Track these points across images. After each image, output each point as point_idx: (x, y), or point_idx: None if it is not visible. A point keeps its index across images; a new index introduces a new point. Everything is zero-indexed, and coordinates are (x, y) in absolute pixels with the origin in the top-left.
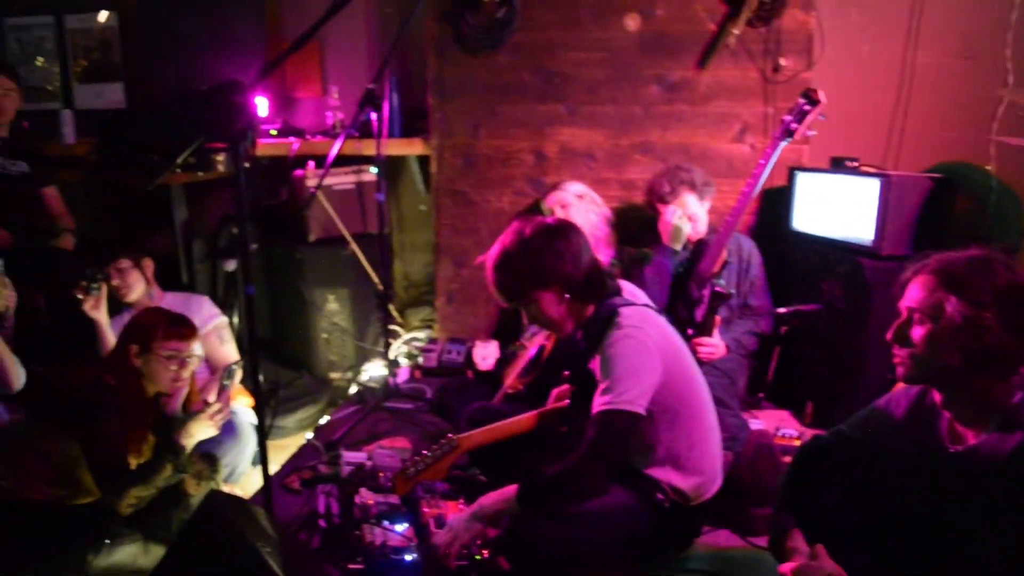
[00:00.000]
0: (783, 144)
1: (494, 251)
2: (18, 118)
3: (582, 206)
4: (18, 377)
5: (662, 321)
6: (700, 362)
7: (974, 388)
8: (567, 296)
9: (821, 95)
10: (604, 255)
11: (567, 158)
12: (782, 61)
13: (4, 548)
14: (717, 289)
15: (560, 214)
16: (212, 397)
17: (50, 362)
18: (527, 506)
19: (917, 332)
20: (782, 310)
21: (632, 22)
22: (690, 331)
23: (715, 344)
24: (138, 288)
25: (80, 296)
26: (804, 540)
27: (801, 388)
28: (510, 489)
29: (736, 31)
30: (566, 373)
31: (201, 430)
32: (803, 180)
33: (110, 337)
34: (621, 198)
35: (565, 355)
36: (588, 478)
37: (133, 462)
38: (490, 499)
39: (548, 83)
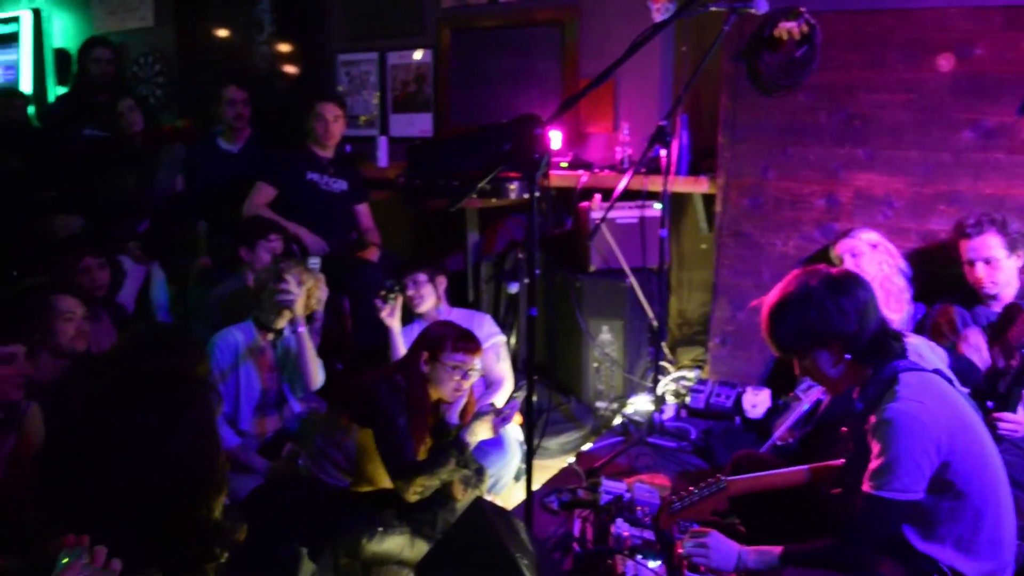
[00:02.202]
0: None
1: (773, 297)
2: (342, 142)
3: (875, 256)
4: (319, 378)
5: (948, 390)
6: (997, 438)
7: None
8: (847, 357)
9: None
10: (895, 312)
11: (862, 204)
12: None
13: (302, 521)
14: None
15: (850, 263)
16: (500, 403)
17: (349, 360)
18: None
19: None
20: None
21: (945, 62)
22: (990, 403)
23: (1019, 420)
24: (429, 301)
25: (379, 303)
26: None
27: None
28: (774, 553)
29: None
30: (844, 430)
31: (483, 430)
32: None
33: (400, 343)
34: (920, 251)
35: (842, 414)
36: (853, 559)
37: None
38: (753, 558)
39: (846, 125)
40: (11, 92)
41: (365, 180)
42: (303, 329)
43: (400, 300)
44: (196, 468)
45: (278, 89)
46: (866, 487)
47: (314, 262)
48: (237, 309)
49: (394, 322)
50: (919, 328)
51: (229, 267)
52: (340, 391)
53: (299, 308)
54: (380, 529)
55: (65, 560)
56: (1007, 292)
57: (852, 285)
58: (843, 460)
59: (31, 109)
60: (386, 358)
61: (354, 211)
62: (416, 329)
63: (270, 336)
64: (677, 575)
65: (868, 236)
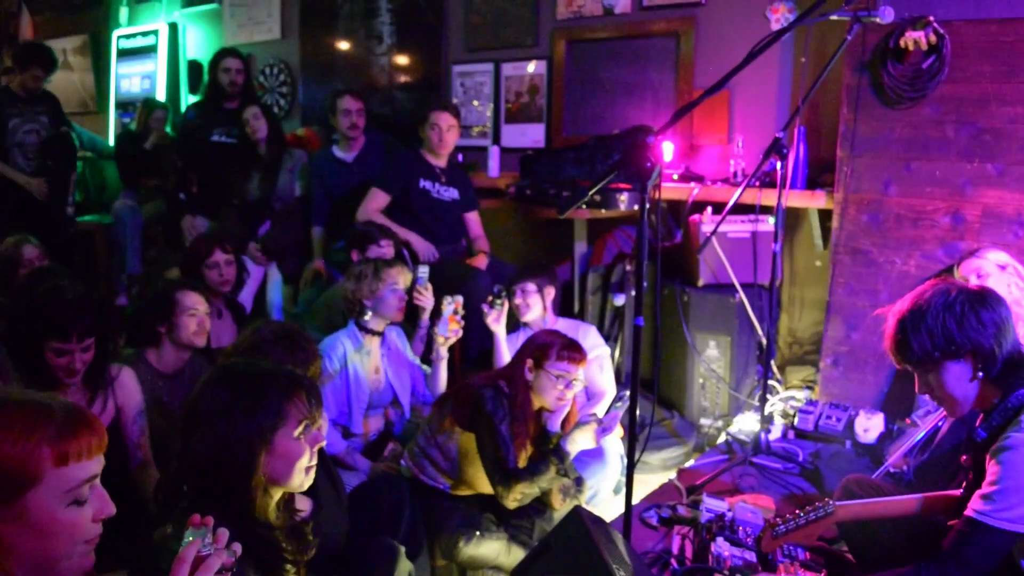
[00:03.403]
0: None
1: (905, 303)
2: (455, 151)
3: (1004, 278)
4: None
5: None
6: None
7: None
8: (980, 374)
9: None
10: None
11: (990, 223)
12: None
13: (401, 520)
14: None
15: (975, 284)
16: (600, 413)
17: (455, 366)
18: None
19: None
20: None
21: None
22: None
23: None
24: (535, 311)
25: (485, 308)
26: None
27: None
28: None
29: None
30: (964, 459)
31: (583, 440)
32: None
33: (505, 350)
34: None
35: (962, 441)
36: None
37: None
38: None
39: (975, 139)
40: (154, 104)
41: (476, 189)
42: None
43: (506, 306)
44: (237, 458)
45: (396, 99)
46: (969, 510)
47: (423, 270)
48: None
49: (499, 328)
50: None
51: (342, 271)
52: (445, 394)
53: (392, 312)
54: (478, 533)
55: (190, 538)
56: None
57: (993, 300)
58: (961, 491)
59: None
60: (490, 365)
61: (464, 219)
62: (521, 337)
63: (375, 339)
64: None
65: (996, 256)
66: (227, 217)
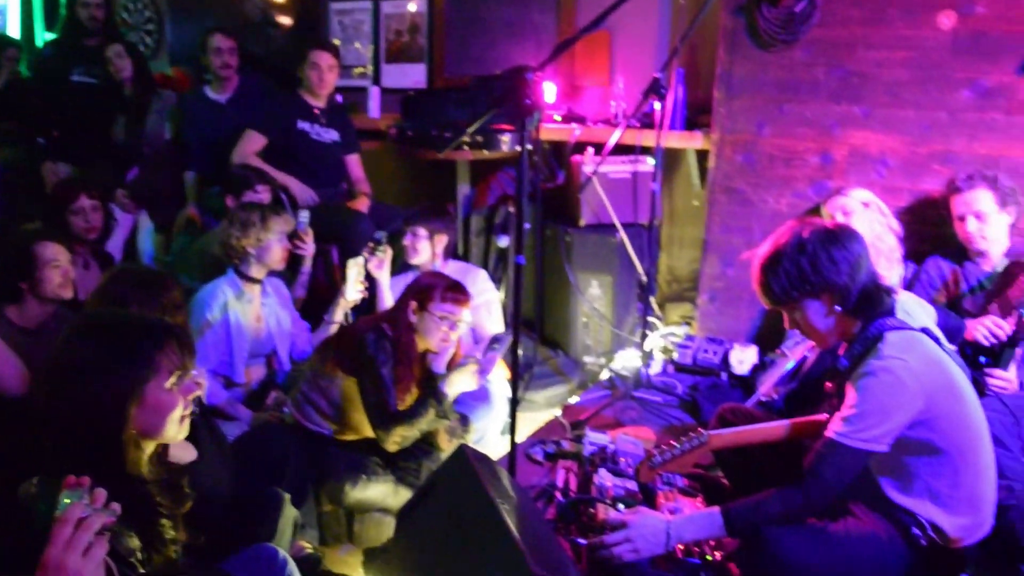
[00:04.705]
0: None
1: (766, 249)
2: (334, 92)
3: (867, 215)
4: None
5: (932, 349)
6: (983, 394)
7: None
8: (837, 309)
9: None
10: (887, 270)
11: (856, 163)
12: None
13: (286, 468)
14: None
15: (841, 221)
16: (479, 355)
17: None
18: (734, 533)
19: None
20: None
21: (947, 20)
22: (983, 359)
23: (1008, 379)
24: (423, 255)
25: (366, 255)
26: None
27: None
28: (713, 516)
29: None
30: (829, 386)
31: (462, 381)
32: None
33: (388, 296)
34: (912, 210)
35: (827, 370)
36: (799, 507)
37: (400, 407)
38: (690, 530)
39: (844, 82)
40: (6, 41)
41: (356, 131)
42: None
43: (389, 253)
44: (105, 413)
45: (271, 38)
46: (829, 432)
47: (304, 215)
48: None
49: (381, 275)
50: (909, 286)
51: (216, 217)
52: (327, 340)
53: (276, 260)
54: (364, 477)
55: (67, 501)
56: (995, 249)
57: (845, 238)
58: (826, 415)
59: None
60: (374, 309)
61: (345, 161)
62: (409, 279)
63: (256, 287)
64: None
65: (861, 195)
66: (92, 163)
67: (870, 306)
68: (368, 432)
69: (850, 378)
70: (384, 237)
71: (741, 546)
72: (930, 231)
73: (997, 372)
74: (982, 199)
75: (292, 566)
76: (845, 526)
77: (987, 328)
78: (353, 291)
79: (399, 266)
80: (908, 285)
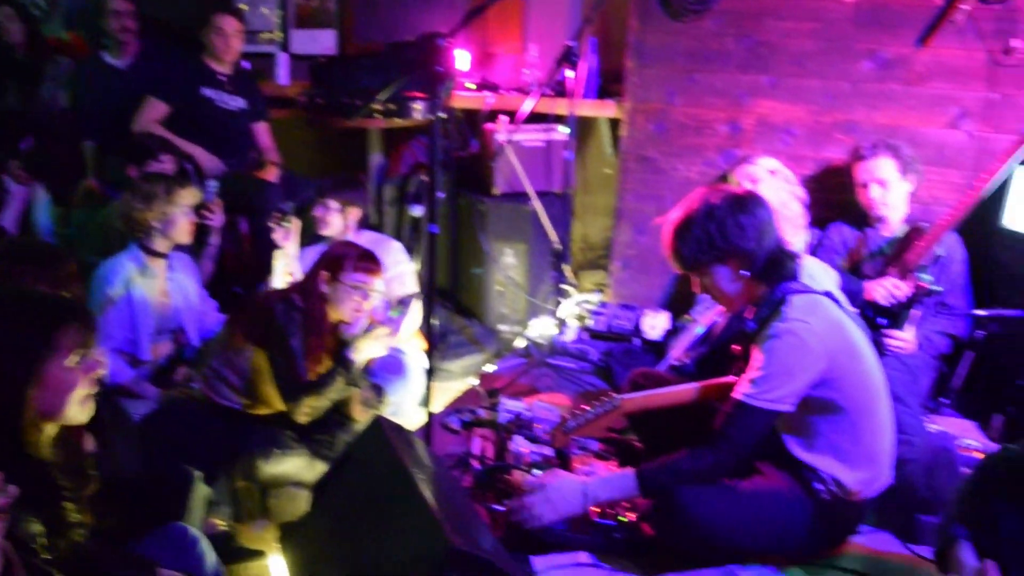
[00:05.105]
0: None
1: (675, 215)
2: (240, 58)
3: (773, 182)
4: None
5: (834, 312)
6: (883, 354)
7: None
8: (744, 273)
9: None
10: (792, 236)
11: (763, 132)
12: (1015, 43)
13: (196, 445)
14: (922, 284)
15: (748, 188)
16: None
17: (247, 283)
18: (648, 494)
19: None
20: (981, 313)
21: None
22: (882, 320)
23: (906, 338)
24: (334, 228)
25: (272, 226)
26: (975, 555)
27: (991, 399)
28: (627, 477)
29: (966, 6)
30: (736, 349)
31: (370, 347)
32: (1022, 175)
33: (296, 268)
34: (816, 178)
35: (736, 333)
36: (710, 466)
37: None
38: (605, 491)
39: (752, 52)
40: None
41: (265, 98)
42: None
43: (296, 225)
44: (2, 394)
45: (173, 0)
46: (737, 393)
47: (212, 185)
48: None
49: (288, 246)
50: (814, 252)
51: (118, 189)
52: (237, 312)
53: (182, 233)
54: (277, 451)
55: None
56: (895, 215)
57: (753, 205)
58: (733, 377)
59: None
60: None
61: (252, 130)
62: (320, 251)
63: (160, 261)
64: None
65: (767, 163)
66: None
67: (775, 271)
68: (281, 405)
69: (756, 341)
70: (291, 208)
71: (654, 506)
72: (833, 198)
73: (895, 333)
74: (885, 167)
75: (204, 544)
76: (752, 484)
77: (886, 289)
78: (281, 283)
79: (310, 238)
80: (813, 251)
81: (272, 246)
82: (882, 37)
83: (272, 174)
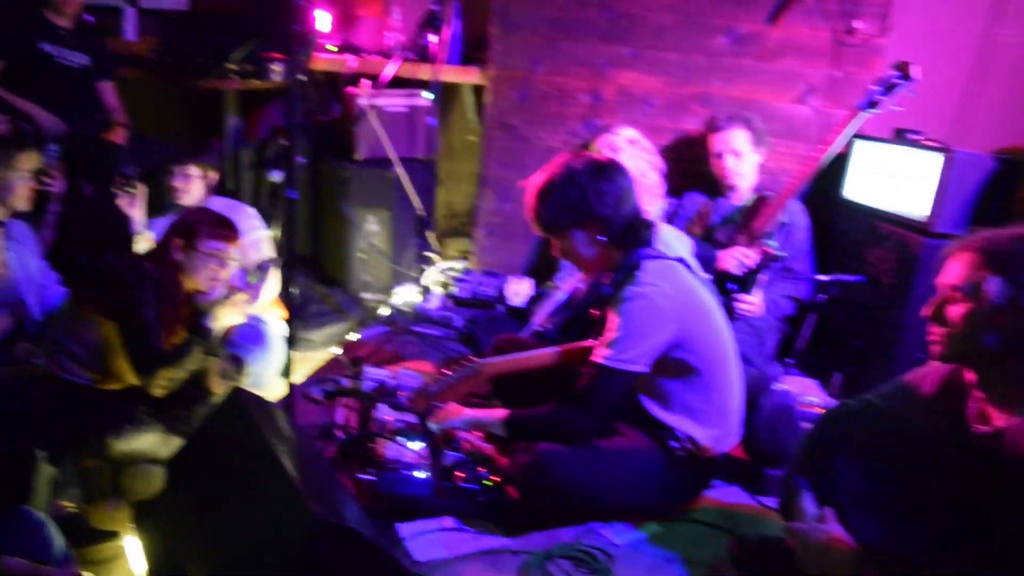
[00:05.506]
0: (864, 115)
1: (539, 178)
2: (82, 11)
3: (632, 152)
4: None
5: (686, 276)
6: (733, 317)
7: (1008, 371)
8: (601, 239)
9: (916, 71)
10: (649, 205)
11: (624, 102)
12: (856, 24)
13: (40, 424)
14: (768, 249)
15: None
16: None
17: (93, 253)
18: (513, 436)
19: (955, 311)
20: (823, 278)
21: None
22: (732, 285)
23: (754, 302)
24: (195, 195)
25: (116, 191)
26: (815, 503)
27: (832, 359)
28: (501, 413)
29: None
30: (595, 313)
31: (228, 314)
32: (861, 148)
33: (144, 235)
34: (673, 148)
35: (594, 298)
36: (574, 425)
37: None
38: (487, 418)
39: (614, 23)
40: None
41: (110, 55)
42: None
43: (142, 190)
44: None
45: None
46: (595, 356)
47: (52, 148)
48: None
49: (135, 212)
50: (670, 220)
51: None
52: (83, 282)
53: (21, 200)
54: (129, 427)
55: None
56: (745, 184)
57: (613, 172)
58: (592, 341)
59: None
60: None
61: (97, 89)
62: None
63: None
64: (438, 454)
65: (627, 133)
66: None
67: (631, 237)
68: (132, 379)
69: (611, 304)
70: (136, 172)
71: (517, 469)
72: (689, 168)
73: (744, 297)
74: (738, 138)
75: (51, 528)
76: (612, 443)
77: (737, 259)
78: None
79: (166, 207)
80: (669, 219)
81: (119, 213)
82: (737, 13)
83: (119, 136)
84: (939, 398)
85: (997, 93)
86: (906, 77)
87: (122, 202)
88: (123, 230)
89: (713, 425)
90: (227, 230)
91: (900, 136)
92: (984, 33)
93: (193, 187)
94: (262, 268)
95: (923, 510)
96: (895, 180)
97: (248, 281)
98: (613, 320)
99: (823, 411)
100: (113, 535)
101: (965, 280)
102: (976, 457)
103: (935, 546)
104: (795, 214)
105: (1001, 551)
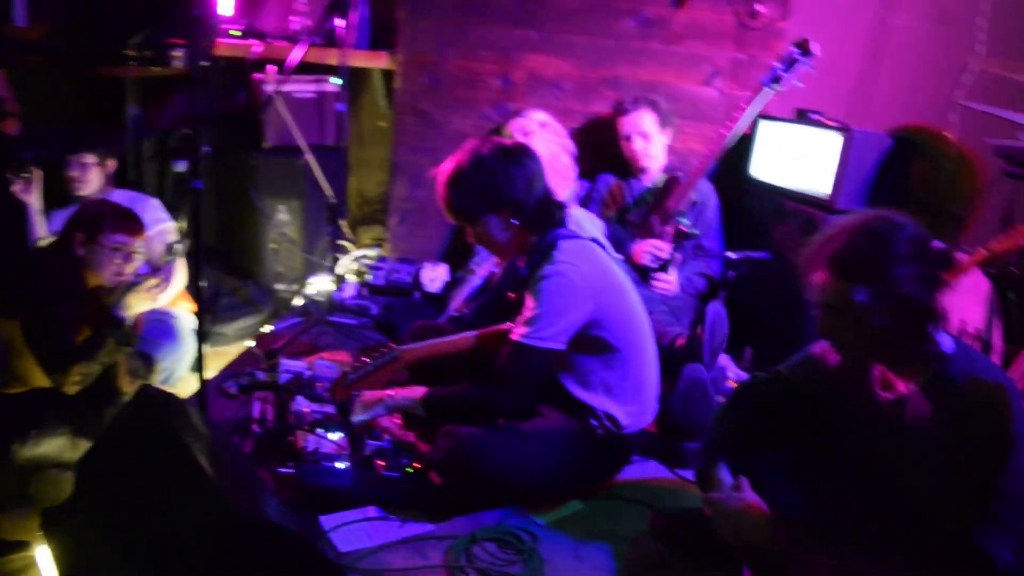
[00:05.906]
0: (768, 91)
1: (448, 166)
2: None
3: (544, 135)
4: None
5: (601, 256)
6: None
7: (902, 349)
8: (514, 222)
9: (815, 48)
10: (562, 187)
11: (534, 86)
12: (759, 7)
13: None
14: (681, 228)
15: (520, 141)
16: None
17: None
18: (430, 415)
19: (838, 325)
20: (732, 255)
21: None
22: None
23: (670, 280)
24: (94, 185)
25: (10, 177)
26: (730, 473)
27: (742, 334)
28: (419, 391)
29: None
30: (512, 296)
31: (139, 302)
32: (765, 128)
33: (40, 223)
34: (584, 131)
35: (511, 281)
36: (493, 403)
37: None
38: (407, 397)
39: (522, 7)
40: None
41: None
42: None
43: (37, 176)
44: None
45: None
46: (514, 335)
47: None
48: None
49: (31, 199)
50: (584, 202)
51: None
52: None
53: None
54: (34, 431)
55: None
56: (655, 166)
57: (522, 156)
58: (509, 324)
59: None
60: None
61: None
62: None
63: None
64: (358, 443)
65: (538, 116)
66: None
67: (544, 220)
68: (38, 381)
69: (528, 285)
70: (31, 156)
71: (438, 454)
72: (600, 151)
73: (660, 276)
74: (646, 120)
75: None
76: (533, 425)
77: (650, 253)
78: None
79: (64, 199)
80: (582, 201)
81: (13, 200)
82: None
83: (11, 126)
84: (844, 368)
85: (891, 75)
86: (806, 53)
87: (16, 188)
88: (18, 218)
89: (630, 402)
90: (131, 223)
91: (802, 116)
92: (878, 18)
93: (91, 177)
94: (171, 249)
95: (834, 475)
96: (798, 159)
97: (159, 264)
98: (530, 300)
99: (735, 384)
100: (23, 545)
101: (832, 298)
102: (882, 423)
103: (847, 509)
104: (705, 193)
105: (908, 513)
